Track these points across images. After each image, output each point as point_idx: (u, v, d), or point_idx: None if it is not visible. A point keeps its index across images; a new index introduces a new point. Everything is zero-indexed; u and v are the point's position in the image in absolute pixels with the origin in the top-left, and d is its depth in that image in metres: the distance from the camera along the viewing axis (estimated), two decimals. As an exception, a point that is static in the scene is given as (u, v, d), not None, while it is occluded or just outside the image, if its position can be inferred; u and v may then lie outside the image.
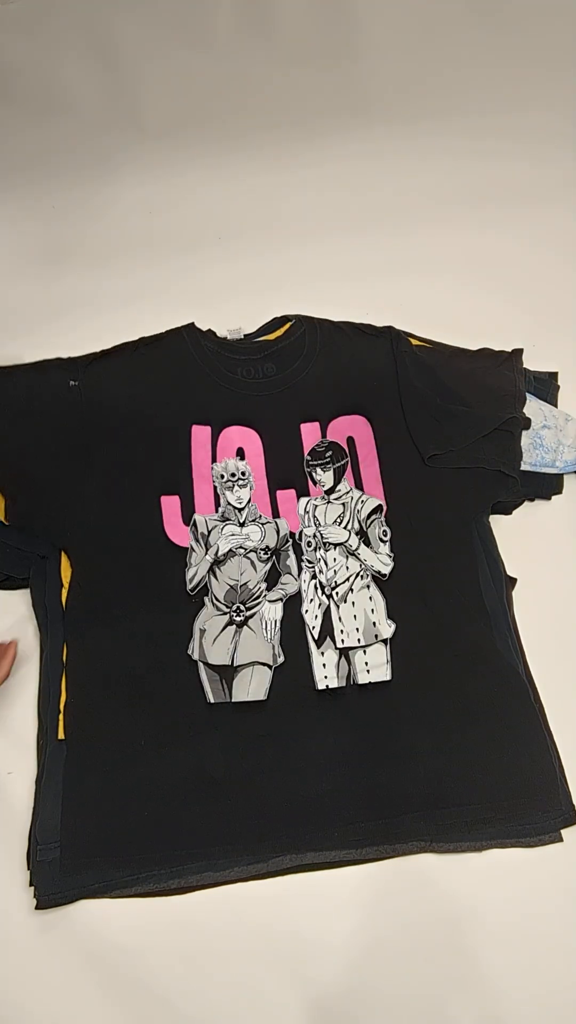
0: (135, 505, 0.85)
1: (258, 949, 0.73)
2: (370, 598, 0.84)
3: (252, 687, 0.79)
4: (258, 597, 0.83)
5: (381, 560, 0.85)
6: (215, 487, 0.88)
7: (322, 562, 0.85)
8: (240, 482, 0.88)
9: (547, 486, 0.97)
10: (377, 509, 0.88)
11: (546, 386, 1.03)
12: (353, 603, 0.83)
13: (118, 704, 0.78)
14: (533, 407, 0.96)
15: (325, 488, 0.89)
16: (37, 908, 0.72)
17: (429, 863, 0.77)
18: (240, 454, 0.90)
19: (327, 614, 0.83)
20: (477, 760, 0.78)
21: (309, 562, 0.85)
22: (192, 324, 0.97)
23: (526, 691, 0.83)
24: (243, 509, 0.87)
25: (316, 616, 0.83)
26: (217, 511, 0.87)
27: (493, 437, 0.91)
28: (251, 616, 0.82)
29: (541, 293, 1.14)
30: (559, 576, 0.93)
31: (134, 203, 1.19)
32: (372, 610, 0.83)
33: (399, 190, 1.22)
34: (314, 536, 0.86)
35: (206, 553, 0.84)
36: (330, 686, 0.79)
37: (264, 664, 0.80)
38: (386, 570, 0.85)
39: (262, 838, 0.75)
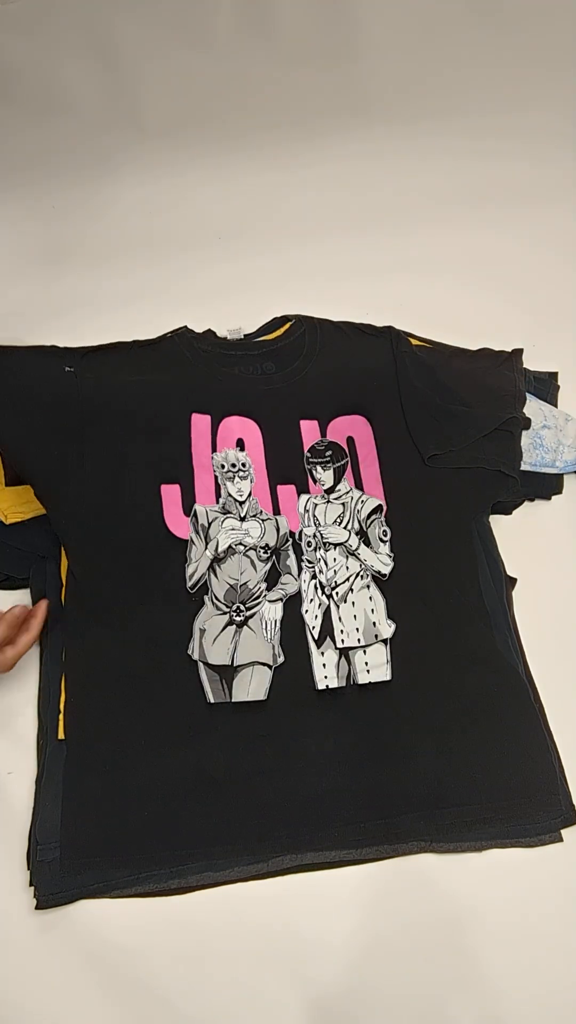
0: (135, 494, 0.84)
1: (258, 949, 0.73)
2: (370, 598, 0.84)
3: (252, 687, 0.79)
4: (258, 597, 0.83)
5: (381, 560, 0.85)
6: (216, 477, 0.87)
7: (322, 562, 0.85)
8: (241, 473, 0.87)
9: (547, 486, 0.97)
10: (377, 509, 0.88)
11: (546, 386, 1.04)
12: (353, 603, 0.83)
13: (118, 704, 0.77)
14: (533, 407, 0.96)
15: (325, 487, 0.89)
16: (37, 908, 0.72)
17: (429, 863, 0.77)
18: (240, 445, 0.89)
19: (327, 614, 0.83)
20: (477, 760, 0.78)
21: (309, 562, 0.85)
22: (185, 328, 0.97)
23: (526, 691, 0.83)
24: (244, 502, 0.86)
25: (316, 616, 0.83)
26: (218, 502, 0.86)
27: (493, 437, 0.91)
28: (251, 616, 0.82)
29: (541, 293, 1.14)
30: (559, 576, 0.93)
31: (134, 203, 1.19)
32: (372, 610, 0.83)
33: (399, 190, 1.22)
34: (314, 536, 0.86)
35: (206, 548, 0.84)
36: (330, 686, 0.79)
37: (264, 664, 0.80)
38: (386, 570, 0.85)
39: (262, 838, 0.75)
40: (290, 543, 0.86)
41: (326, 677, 0.80)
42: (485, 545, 0.90)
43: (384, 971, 0.73)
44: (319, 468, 0.89)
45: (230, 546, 0.84)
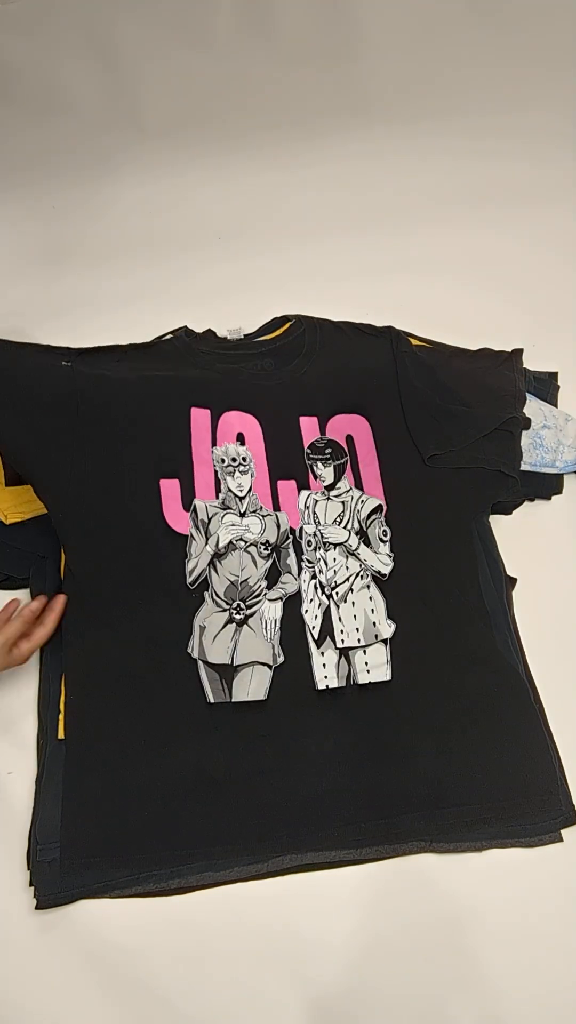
0: (133, 488, 0.83)
1: (258, 949, 0.73)
2: (370, 598, 0.84)
3: (252, 687, 0.78)
4: (258, 595, 0.82)
5: (381, 560, 0.85)
6: (216, 472, 0.87)
7: (322, 562, 0.85)
8: (241, 468, 0.87)
9: (547, 486, 0.97)
10: (377, 509, 0.88)
11: (546, 386, 1.04)
12: (353, 603, 0.83)
13: (118, 704, 0.77)
14: (533, 407, 0.96)
15: (325, 484, 0.89)
16: (37, 908, 0.72)
17: (429, 863, 0.77)
18: (240, 439, 0.89)
19: (327, 614, 0.83)
20: (477, 760, 0.78)
21: (309, 562, 0.85)
22: (185, 328, 0.97)
23: (526, 691, 0.83)
24: (244, 498, 0.86)
25: (316, 616, 0.82)
26: (218, 497, 0.86)
27: (493, 437, 0.91)
28: (251, 615, 0.82)
29: (541, 293, 1.14)
30: (559, 576, 0.93)
31: (134, 203, 1.19)
32: (372, 610, 0.83)
33: (399, 190, 1.22)
34: (314, 535, 0.86)
35: (206, 543, 0.83)
36: (330, 686, 0.79)
37: (264, 664, 0.80)
38: (386, 570, 0.85)
39: (262, 838, 0.75)
40: (291, 540, 0.86)
41: (326, 677, 0.80)
42: (485, 545, 0.90)
43: (384, 971, 0.73)
44: (319, 464, 0.89)
45: (231, 542, 0.84)
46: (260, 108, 1.25)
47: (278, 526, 0.86)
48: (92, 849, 0.73)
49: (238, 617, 0.81)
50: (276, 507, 0.87)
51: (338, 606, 0.83)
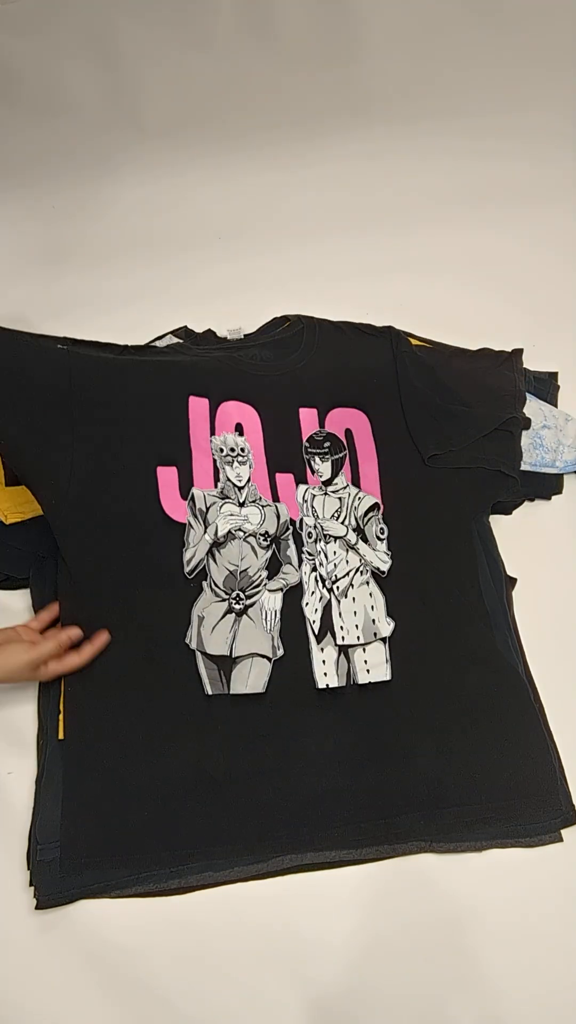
0: (130, 476, 0.82)
1: (258, 949, 0.73)
2: (370, 594, 0.84)
3: (251, 679, 0.78)
4: (258, 585, 0.82)
5: (379, 557, 0.85)
6: (214, 461, 0.86)
7: (323, 555, 0.85)
8: (240, 458, 0.87)
9: (547, 486, 0.97)
10: (374, 507, 0.87)
11: (546, 386, 1.04)
12: (353, 599, 0.83)
13: (118, 703, 0.77)
14: (533, 407, 0.96)
15: (323, 479, 0.89)
16: (37, 908, 0.72)
17: (429, 863, 0.77)
18: (239, 430, 0.88)
19: (327, 609, 0.82)
20: (477, 760, 0.78)
21: (310, 554, 0.85)
22: (185, 328, 0.96)
23: (526, 691, 0.83)
24: (243, 488, 0.85)
25: (316, 610, 0.82)
26: (216, 486, 0.85)
27: (493, 437, 0.91)
28: (251, 605, 0.81)
29: (541, 293, 1.14)
30: (559, 576, 0.93)
31: (134, 203, 1.19)
32: (372, 607, 0.83)
33: (399, 190, 1.22)
34: (314, 527, 0.86)
35: (204, 532, 0.82)
36: (330, 685, 0.79)
37: (263, 656, 0.79)
38: (384, 567, 0.85)
39: (262, 838, 0.75)
40: (290, 532, 0.85)
41: (326, 675, 0.80)
42: (485, 545, 0.90)
43: (384, 971, 0.73)
44: (317, 459, 0.89)
45: (229, 531, 0.83)
46: (260, 108, 1.25)
47: (278, 516, 0.85)
48: (92, 849, 0.73)
49: (237, 607, 0.80)
50: (275, 499, 0.86)
51: (339, 601, 0.83)
